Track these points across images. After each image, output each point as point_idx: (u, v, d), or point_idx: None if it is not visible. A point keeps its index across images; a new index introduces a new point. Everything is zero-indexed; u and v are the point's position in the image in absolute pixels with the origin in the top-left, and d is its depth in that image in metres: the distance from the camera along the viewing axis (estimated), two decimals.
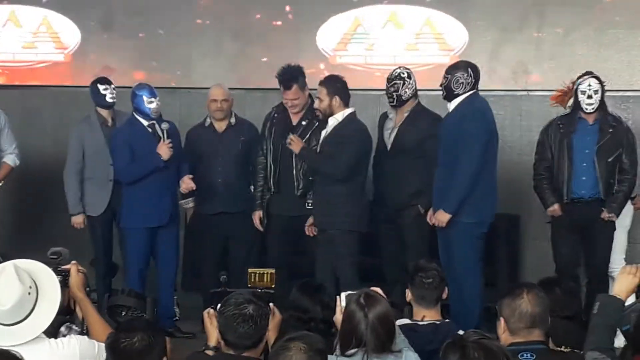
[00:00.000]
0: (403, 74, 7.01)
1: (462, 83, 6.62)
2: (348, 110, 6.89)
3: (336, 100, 6.84)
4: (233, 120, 7.64)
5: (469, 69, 6.68)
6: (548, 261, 7.86)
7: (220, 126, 7.62)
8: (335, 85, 6.91)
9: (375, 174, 7.25)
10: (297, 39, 8.95)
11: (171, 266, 7.42)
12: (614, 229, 6.90)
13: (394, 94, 6.99)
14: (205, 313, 4.32)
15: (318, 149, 6.98)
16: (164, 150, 7.08)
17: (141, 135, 7.20)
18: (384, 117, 7.21)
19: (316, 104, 6.98)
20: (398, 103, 7.01)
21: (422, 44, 8.80)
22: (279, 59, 8.26)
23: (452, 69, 6.72)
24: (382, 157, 7.16)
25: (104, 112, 7.62)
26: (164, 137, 7.12)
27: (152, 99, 7.16)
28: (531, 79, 8.60)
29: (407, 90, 6.98)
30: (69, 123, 8.91)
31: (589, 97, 6.77)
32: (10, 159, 7.72)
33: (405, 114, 7.03)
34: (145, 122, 7.21)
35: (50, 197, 9.01)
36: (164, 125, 7.17)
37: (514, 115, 8.55)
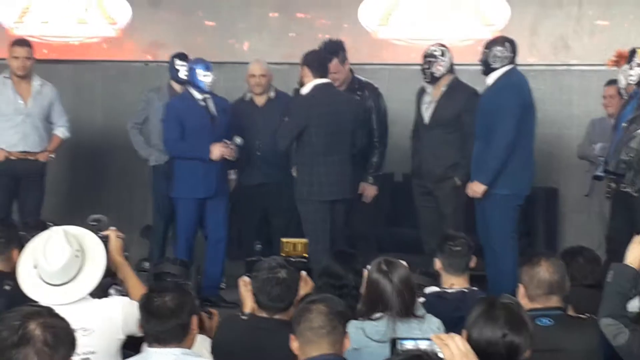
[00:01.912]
0: (436, 51, 7.09)
1: (500, 57, 6.71)
2: (313, 82, 6.94)
3: (304, 70, 6.96)
4: (272, 94, 7.84)
5: (507, 43, 6.77)
6: (586, 234, 7.98)
7: (260, 100, 7.84)
8: (307, 56, 7.03)
9: (413, 147, 7.37)
10: (339, 15, 9.07)
11: (219, 236, 7.53)
12: None
13: (426, 71, 7.10)
14: (240, 280, 4.46)
15: None
16: (217, 150, 7.22)
17: (193, 109, 7.31)
18: (422, 91, 7.30)
19: None
20: (431, 80, 7.11)
21: (463, 19, 8.86)
22: (322, 34, 8.43)
23: (490, 44, 6.83)
24: (420, 130, 7.26)
25: (177, 86, 7.78)
26: (235, 146, 7.32)
27: (207, 73, 7.25)
28: (571, 53, 8.65)
29: (440, 67, 7.06)
30: (119, 97, 9.18)
31: (630, 68, 6.72)
32: (61, 132, 7.88)
33: (443, 89, 7.13)
34: (199, 96, 7.32)
35: (100, 169, 9.28)
36: (238, 140, 7.38)
37: (554, 90, 8.61)
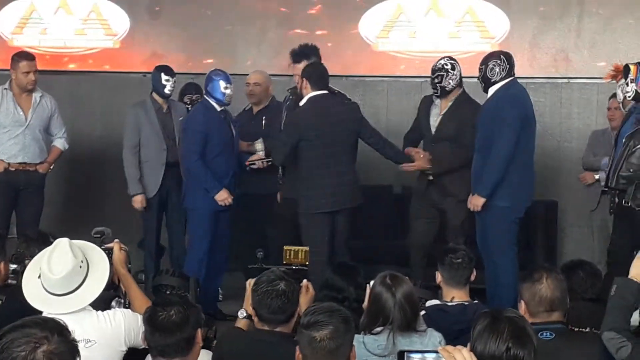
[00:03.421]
0: (447, 65, 7.05)
1: (497, 71, 6.70)
2: (310, 94, 6.88)
3: (304, 83, 6.89)
4: (267, 103, 7.88)
5: (502, 56, 6.76)
6: (585, 247, 8.00)
7: (256, 110, 7.93)
8: (307, 69, 6.97)
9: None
10: (340, 27, 9.09)
11: (224, 250, 7.50)
12: None
13: (437, 85, 7.05)
14: (247, 282, 4.43)
15: None
16: (224, 197, 7.16)
17: (216, 121, 7.21)
18: (429, 101, 7.25)
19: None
20: (442, 94, 7.07)
21: (463, 32, 8.90)
22: (322, 48, 8.41)
23: (485, 60, 6.81)
24: (426, 144, 7.24)
25: (160, 100, 7.75)
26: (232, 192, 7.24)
27: (228, 85, 7.19)
28: (572, 66, 8.68)
29: (450, 81, 7.02)
30: (118, 108, 9.16)
31: (627, 84, 6.73)
32: (60, 143, 7.90)
33: (450, 103, 7.11)
34: (217, 108, 7.24)
35: (98, 180, 9.27)
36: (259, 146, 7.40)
37: (554, 103, 8.64)
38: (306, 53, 7.23)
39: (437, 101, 7.18)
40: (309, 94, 6.89)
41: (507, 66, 6.71)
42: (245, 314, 4.37)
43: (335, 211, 6.90)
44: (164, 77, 7.64)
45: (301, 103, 6.96)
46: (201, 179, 7.18)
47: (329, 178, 6.87)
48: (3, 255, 4.75)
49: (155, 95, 7.76)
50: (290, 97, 7.39)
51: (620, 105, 6.77)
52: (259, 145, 7.67)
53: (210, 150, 7.19)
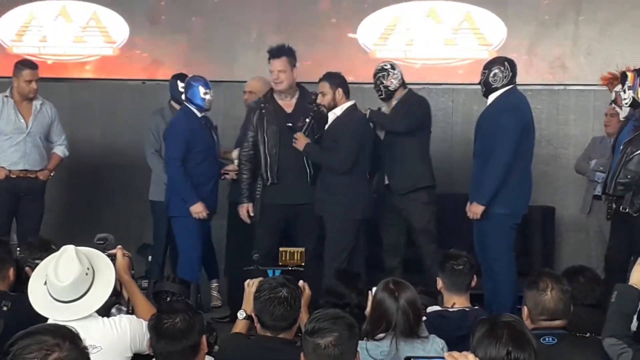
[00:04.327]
0: (386, 66, 7.15)
1: (500, 77, 6.73)
2: (348, 104, 6.99)
3: (339, 93, 6.95)
4: None
5: (506, 63, 6.78)
6: (582, 253, 8.04)
7: None
8: (336, 78, 7.01)
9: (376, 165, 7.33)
10: (338, 34, 9.12)
11: (208, 255, 7.64)
12: None
13: (380, 86, 7.12)
14: (246, 283, 4.51)
15: (322, 144, 7.07)
16: (200, 210, 7.12)
17: (197, 127, 7.21)
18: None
19: (319, 99, 7.02)
20: (387, 95, 7.13)
21: (461, 39, 8.94)
22: (320, 54, 8.46)
23: (489, 64, 6.83)
24: (379, 148, 7.23)
25: (178, 107, 7.72)
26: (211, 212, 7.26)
27: (208, 91, 7.17)
28: (568, 73, 8.72)
29: (392, 80, 7.08)
30: (117, 116, 9.21)
31: (624, 91, 6.77)
32: (60, 150, 7.93)
33: (394, 102, 7.15)
34: (198, 114, 7.22)
35: (98, 187, 9.29)
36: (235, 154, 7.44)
37: (550, 109, 8.68)
38: (285, 50, 7.18)
39: (384, 108, 7.24)
40: (346, 103, 7.00)
41: (510, 73, 6.74)
42: (244, 315, 4.42)
43: (362, 219, 7.01)
44: (179, 84, 7.65)
45: (338, 112, 6.97)
46: (180, 188, 7.15)
47: (366, 185, 7.06)
48: (12, 261, 4.78)
49: (173, 102, 7.83)
50: (264, 104, 7.25)
51: (616, 107, 6.78)
52: (234, 153, 7.63)
53: (193, 157, 7.16)
